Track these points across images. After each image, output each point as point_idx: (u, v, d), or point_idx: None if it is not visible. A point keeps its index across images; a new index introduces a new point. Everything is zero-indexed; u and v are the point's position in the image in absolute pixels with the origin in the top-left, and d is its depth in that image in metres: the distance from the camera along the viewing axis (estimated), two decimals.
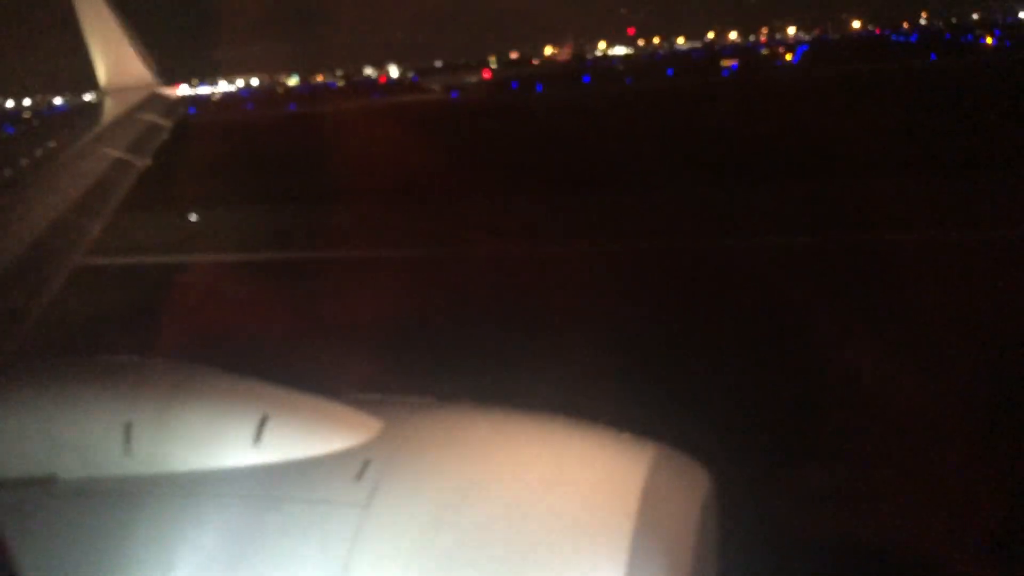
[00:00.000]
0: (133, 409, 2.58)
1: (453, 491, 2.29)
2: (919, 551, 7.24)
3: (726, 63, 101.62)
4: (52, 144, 8.33)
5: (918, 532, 7.44)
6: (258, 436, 2.48)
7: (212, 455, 2.49)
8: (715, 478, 2.42)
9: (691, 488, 2.36)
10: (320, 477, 2.39)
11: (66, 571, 2.39)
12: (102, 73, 12.48)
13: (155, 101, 11.92)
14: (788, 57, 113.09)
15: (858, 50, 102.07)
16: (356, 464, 2.39)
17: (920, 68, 68.50)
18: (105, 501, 2.47)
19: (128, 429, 2.52)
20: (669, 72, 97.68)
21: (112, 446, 2.52)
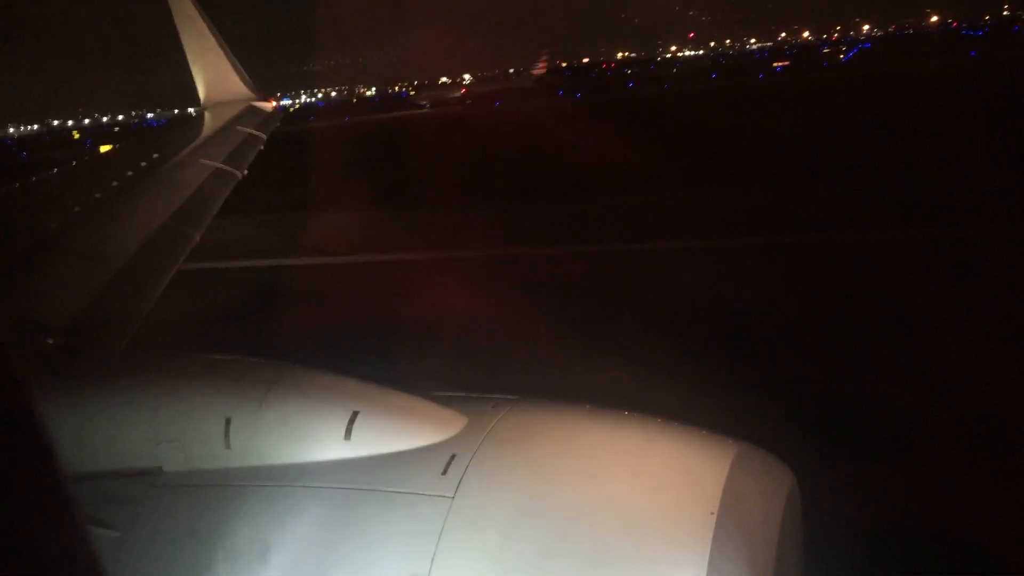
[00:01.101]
0: (232, 405, 2.67)
1: (536, 485, 2.31)
2: None
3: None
4: (155, 155, 8.66)
5: None
6: (349, 431, 2.55)
7: (306, 449, 2.57)
8: (797, 476, 2.38)
9: (774, 486, 2.33)
10: (407, 470, 2.44)
11: (171, 559, 2.49)
12: (202, 88, 13.01)
13: (251, 113, 12.30)
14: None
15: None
16: (442, 458, 2.43)
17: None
18: (207, 492, 2.57)
19: (228, 424, 2.62)
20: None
21: (213, 440, 2.62)
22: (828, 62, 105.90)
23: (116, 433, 2.74)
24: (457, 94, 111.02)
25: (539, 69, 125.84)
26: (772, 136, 34.92)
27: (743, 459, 2.32)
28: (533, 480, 2.33)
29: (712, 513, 2.13)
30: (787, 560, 2.23)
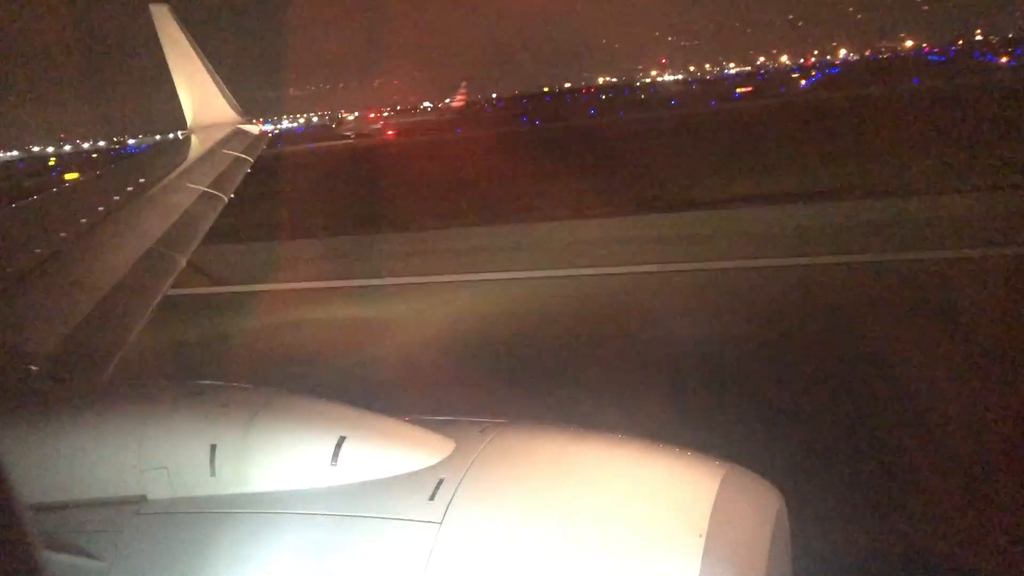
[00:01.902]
0: (218, 431, 2.63)
1: (525, 509, 2.28)
2: None
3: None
4: (142, 180, 8.60)
5: None
6: (335, 457, 2.52)
7: (292, 476, 2.53)
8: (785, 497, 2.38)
9: (762, 507, 2.32)
10: (395, 496, 2.40)
11: None
12: (189, 111, 12.99)
13: (238, 137, 12.28)
14: None
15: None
16: (430, 483, 2.40)
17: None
18: (192, 520, 2.52)
19: (213, 451, 2.58)
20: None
21: (198, 467, 2.57)
22: (786, 88, 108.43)
23: (100, 461, 2.68)
24: (378, 126, 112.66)
25: (458, 100, 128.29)
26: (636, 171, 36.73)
27: (731, 481, 2.31)
28: (522, 504, 2.30)
29: (701, 536, 2.12)
30: None
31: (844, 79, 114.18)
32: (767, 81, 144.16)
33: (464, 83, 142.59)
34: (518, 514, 2.27)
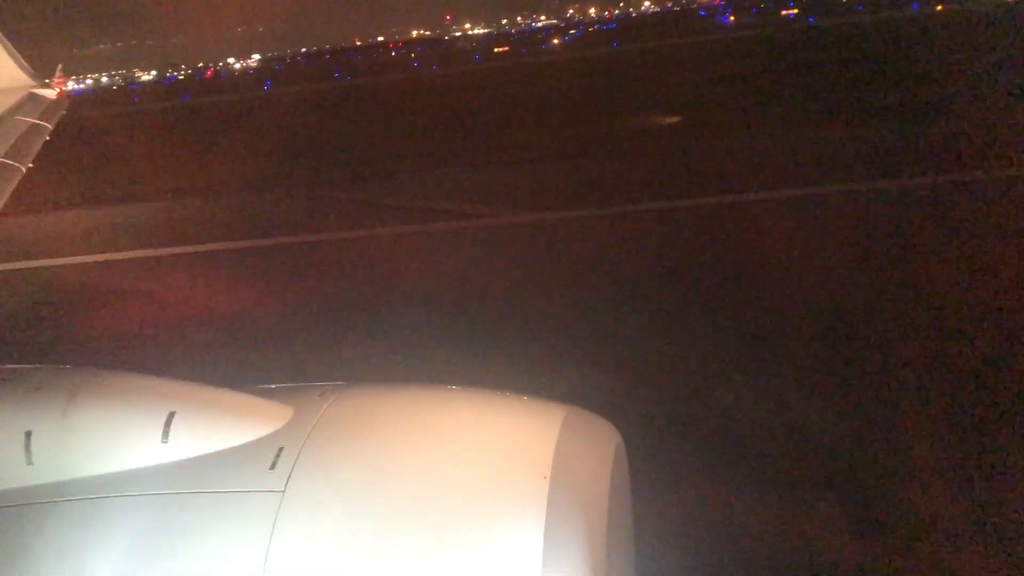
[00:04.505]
0: (32, 416, 2.41)
1: (370, 469, 2.24)
2: None
3: None
4: None
5: None
6: (166, 434, 2.36)
7: (119, 457, 2.35)
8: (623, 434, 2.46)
9: (602, 445, 2.38)
10: (233, 468, 2.29)
11: None
12: None
13: (32, 101, 11.19)
14: None
15: None
16: (269, 452, 2.30)
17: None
18: (10, 514, 2.30)
19: (28, 438, 2.35)
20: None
21: (13, 457, 2.35)
22: (547, 45, 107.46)
23: None
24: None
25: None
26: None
27: (571, 422, 2.36)
28: (366, 464, 2.25)
29: (545, 477, 2.15)
30: (618, 514, 2.29)
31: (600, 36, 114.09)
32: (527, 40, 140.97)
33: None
34: (363, 474, 2.22)
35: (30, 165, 8.75)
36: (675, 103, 33.63)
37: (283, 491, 2.18)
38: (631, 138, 27.35)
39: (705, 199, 17.65)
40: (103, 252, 18.71)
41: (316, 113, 50.69)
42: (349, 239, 17.88)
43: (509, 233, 16.90)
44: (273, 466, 2.25)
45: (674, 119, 30.18)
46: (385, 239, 17.32)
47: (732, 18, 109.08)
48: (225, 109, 64.94)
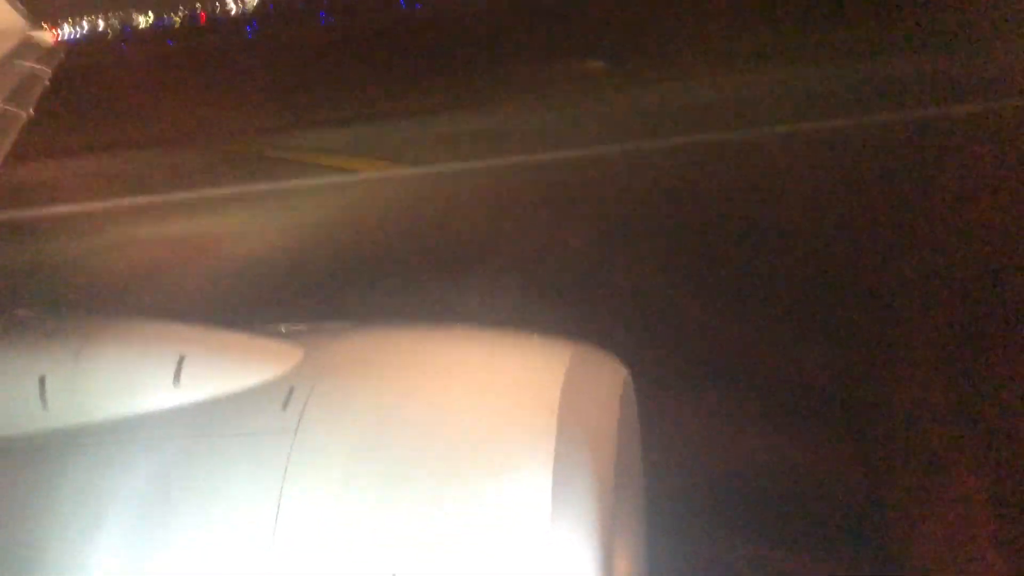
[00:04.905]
0: (46, 362, 2.40)
1: (381, 409, 2.23)
2: None
3: None
4: None
5: None
6: (177, 377, 2.36)
7: (131, 401, 2.35)
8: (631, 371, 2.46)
9: (609, 382, 2.36)
10: (245, 410, 2.28)
11: None
12: None
13: (28, 47, 11.02)
14: None
15: None
16: (280, 393, 2.28)
17: None
18: (25, 457, 2.32)
19: (43, 382, 2.36)
20: None
21: (28, 402, 2.35)
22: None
23: None
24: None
25: None
26: None
27: (578, 359, 2.34)
28: (377, 404, 2.25)
29: (553, 411, 2.14)
30: (626, 451, 2.30)
31: None
32: None
33: None
34: (374, 412, 2.22)
35: (31, 111, 8.68)
36: None
37: (295, 432, 2.19)
38: None
39: None
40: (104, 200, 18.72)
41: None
42: None
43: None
44: (285, 407, 2.25)
45: None
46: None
47: None
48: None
